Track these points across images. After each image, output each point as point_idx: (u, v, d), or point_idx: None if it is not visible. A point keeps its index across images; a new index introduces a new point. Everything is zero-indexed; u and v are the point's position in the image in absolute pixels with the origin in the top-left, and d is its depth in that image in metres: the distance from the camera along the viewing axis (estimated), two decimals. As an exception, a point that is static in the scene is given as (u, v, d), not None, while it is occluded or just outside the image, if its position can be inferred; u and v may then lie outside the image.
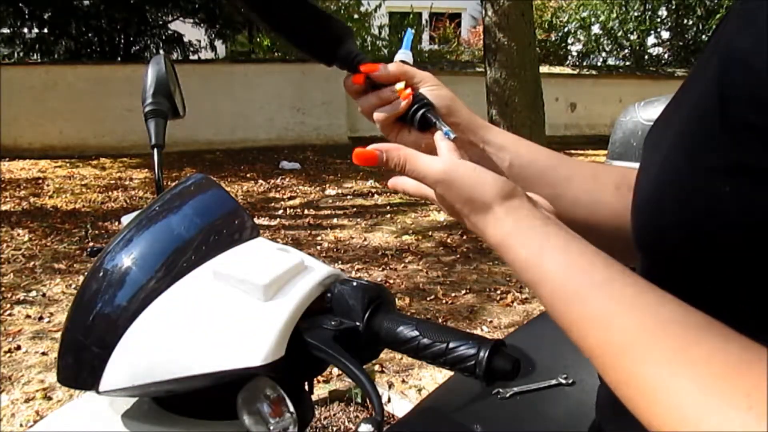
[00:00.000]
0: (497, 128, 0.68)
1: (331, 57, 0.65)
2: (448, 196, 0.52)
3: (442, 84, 0.66)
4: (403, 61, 0.68)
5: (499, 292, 3.51)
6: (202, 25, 9.72)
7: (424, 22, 11.94)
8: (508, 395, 0.95)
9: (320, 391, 2.22)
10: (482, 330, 3.02)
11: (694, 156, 0.41)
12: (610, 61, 11.53)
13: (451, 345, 0.56)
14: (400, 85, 0.63)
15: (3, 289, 3.50)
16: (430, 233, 4.72)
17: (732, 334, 0.35)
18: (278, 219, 5.12)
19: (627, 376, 0.37)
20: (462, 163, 0.52)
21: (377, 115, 0.64)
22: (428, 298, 3.41)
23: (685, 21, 11.23)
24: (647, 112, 1.22)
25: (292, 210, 5.41)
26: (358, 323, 0.62)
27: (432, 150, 0.65)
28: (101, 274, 0.64)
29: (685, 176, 0.41)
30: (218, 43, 10.10)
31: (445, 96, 0.65)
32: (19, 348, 2.78)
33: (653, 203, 0.45)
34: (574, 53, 11.81)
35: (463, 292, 3.52)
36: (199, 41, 9.92)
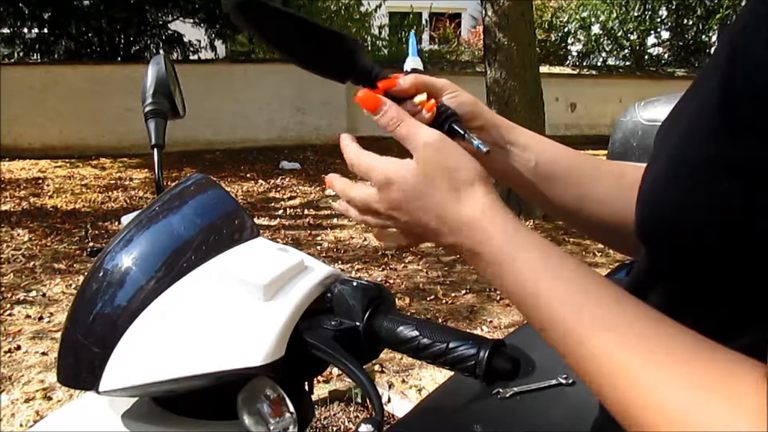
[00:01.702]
0: (521, 128, 0.67)
1: (344, 74, 0.64)
2: (432, 161, 0.52)
3: (461, 89, 0.65)
4: (414, 69, 0.67)
5: (499, 292, 3.51)
6: (202, 25, 9.71)
7: (424, 22, 11.94)
8: (508, 395, 0.95)
9: (320, 391, 2.22)
10: (482, 330, 3.02)
11: (698, 151, 0.41)
12: (610, 61, 11.52)
13: (451, 345, 0.56)
14: (421, 97, 0.61)
15: (3, 289, 3.50)
16: (430, 233, 4.72)
17: (715, 346, 0.37)
18: (278, 219, 5.12)
19: (578, 362, 0.41)
20: (453, 142, 0.53)
21: None
22: (428, 298, 3.41)
23: (685, 21, 11.22)
24: (647, 112, 1.22)
25: (292, 210, 5.41)
26: (358, 323, 0.62)
27: None
28: (101, 274, 0.64)
29: (687, 169, 0.42)
30: (218, 43, 10.09)
31: (466, 102, 0.64)
32: (19, 348, 2.78)
33: (656, 195, 0.46)
34: (574, 53, 11.80)
35: (463, 292, 3.52)
36: (199, 41, 9.90)
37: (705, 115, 0.41)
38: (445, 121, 0.61)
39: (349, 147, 0.57)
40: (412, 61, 0.70)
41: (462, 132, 0.60)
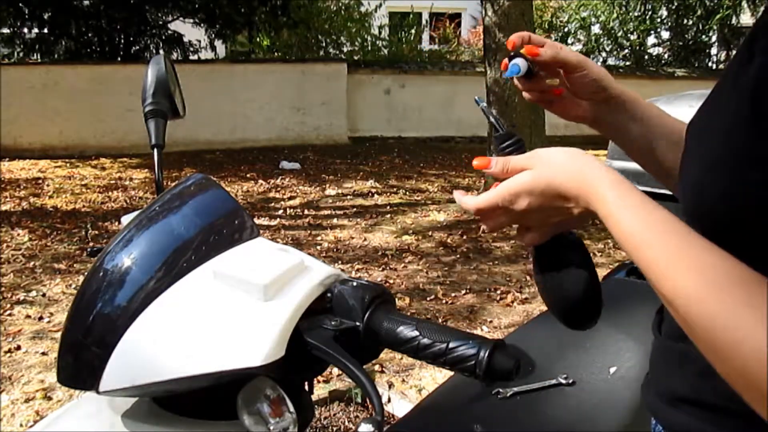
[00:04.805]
0: (638, 98, 0.75)
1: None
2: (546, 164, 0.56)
3: (592, 62, 0.72)
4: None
5: (499, 292, 3.51)
6: (202, 25, 9.70)
7: (424, 22, 11.92)
8: (508, 395, 0.95)
9: (320, 391, 2.22)
10: (482, 330, 3.02)
11: (733, 146, 0.47)
12: (610, 61, 11.51)
13: (451, 345, 0.56)
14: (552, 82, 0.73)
15: (3, 289, 3.50)
16: (430, 233, 4.72)
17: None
18: (278, 219, 5.12)
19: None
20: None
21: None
22: (428, 298, 3.41)
23: (685, 21, 11.22)
24: (647, 112, 1.22)
25: (292, 210, 5.41)
26: (358, 323, 0.62)
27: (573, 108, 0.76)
28: (101, 274, 0.64)
29: (723, 163, 0.48)
30: (218, 43, 10.08)
31: (599, 77, 0.72)
32: (19, 348, 2.78)
33: (698, 186, 0.52)
34: (574, 53, 11.80)
35: (463, 292, 3.52)
36: (199, 41, 9.90)
37: (741, 114, 0.46)
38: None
39: (467, 201, 0.59)
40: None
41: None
